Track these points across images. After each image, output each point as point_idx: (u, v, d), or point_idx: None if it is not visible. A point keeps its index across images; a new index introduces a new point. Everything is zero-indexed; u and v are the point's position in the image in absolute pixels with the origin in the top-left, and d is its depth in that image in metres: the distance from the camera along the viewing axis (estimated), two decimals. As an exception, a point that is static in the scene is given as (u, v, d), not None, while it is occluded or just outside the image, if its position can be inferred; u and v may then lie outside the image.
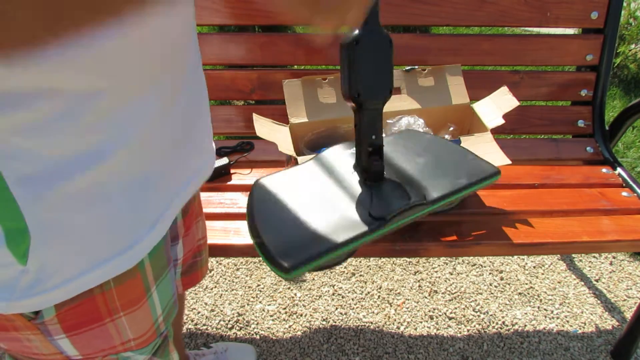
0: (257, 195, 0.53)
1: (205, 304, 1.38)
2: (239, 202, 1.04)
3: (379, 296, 1.42)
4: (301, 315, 1.36)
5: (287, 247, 0.46)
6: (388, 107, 1.03)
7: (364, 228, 0.49)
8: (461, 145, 0.79)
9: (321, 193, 0.54)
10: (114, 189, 0.43)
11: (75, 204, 0.41)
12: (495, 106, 1.01)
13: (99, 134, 0.40)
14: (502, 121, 0.95)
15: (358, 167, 0.56)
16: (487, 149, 0.94)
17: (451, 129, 1.06)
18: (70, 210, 0.41)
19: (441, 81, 1.09)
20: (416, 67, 1.09)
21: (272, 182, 0.55)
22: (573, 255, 1.58)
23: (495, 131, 1.30)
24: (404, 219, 0.53)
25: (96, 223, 0.44)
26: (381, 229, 0.50)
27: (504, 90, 1.03)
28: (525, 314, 1.37)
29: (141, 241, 0.48)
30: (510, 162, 0.91)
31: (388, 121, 1.04)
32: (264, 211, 0.51)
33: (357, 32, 0.52)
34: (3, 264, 0.41)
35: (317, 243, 0.47)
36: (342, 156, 0.59)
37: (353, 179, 0.55)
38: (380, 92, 0.53)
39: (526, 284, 1.47)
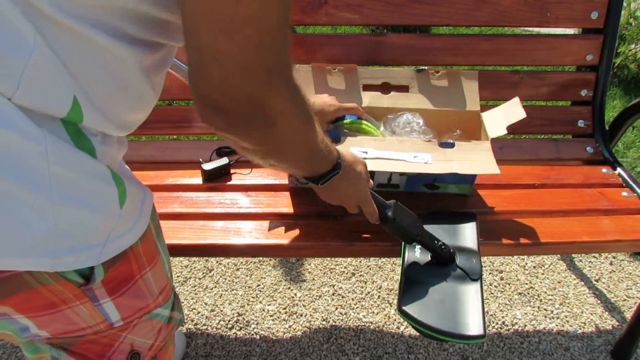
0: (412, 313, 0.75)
1: (205, 304, 1.38)
2: (239, 202, 1.04)
3: (379, 296, 1.42)
4: (301, 315, 1.36)
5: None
6: (393, 104, 1.04)
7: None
8: (456, 149, 0.93)
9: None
10: None
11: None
12: (503, 117, 1.00)
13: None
14: (505, 132, 0.95)
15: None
16: (481, 157, 0.94)
17: (456, 133, 1.06)
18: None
19: (455, 85, 1.09)
20: (426, 67, 1.09)
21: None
22: (573, 255, 1.58)
23: (495, 131, 1.30)
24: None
25: (136, 181, 0.54)
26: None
27: (515, 102, 1.00)
28: (525, 314, 1.37)
29: (149, 199, 0.56)
30: (498, 171, 0.90)
31: (389, 116, 1.04)
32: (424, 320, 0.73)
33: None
34: (108, 209, 0.47)
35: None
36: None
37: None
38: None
39: (526, 284, 1.47)
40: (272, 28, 0.39)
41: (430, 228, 0.84)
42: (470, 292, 0.77)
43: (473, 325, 0.72)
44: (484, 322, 0.73)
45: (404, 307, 0.75)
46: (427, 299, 0.75)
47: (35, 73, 0.38)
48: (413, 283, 0.78)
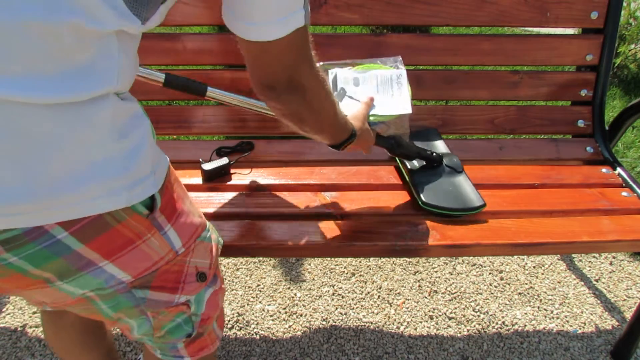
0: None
1: (205, 304, 1.38)
2: (239, 202, 1.04)
3: (379, 296, 1.42)
4: (301, 315, 1.36)
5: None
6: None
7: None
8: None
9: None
10: None
11: None
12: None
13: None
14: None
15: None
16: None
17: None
18: None
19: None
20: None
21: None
22: (573, 255, 1.58)
23: (496, 131, 1.30)
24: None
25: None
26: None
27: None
28: (525, 314, 1.37)
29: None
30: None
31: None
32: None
33: None
34: (149, 140, 0.58)
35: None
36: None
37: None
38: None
39: (526, 284, 1.47)
40: (304, 44, 0.61)
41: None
42: (462, 180, 1.06)
43: (475, 200, 1.01)
44: (481, 197, 1.01)
45: (425, 201, 1.00)
46: (437, 190, 1.02)
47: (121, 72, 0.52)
48: (421, 184, 1.04)
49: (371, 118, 0.96)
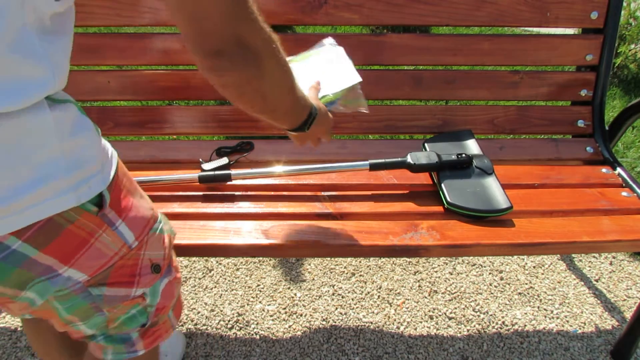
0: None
1: (205, 304, 1.38)
2: (239, 202, 1.04)
3: (378, 296, 1.42)
4: (301, 315, 1.36)
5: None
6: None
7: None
8: None
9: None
10: None
11: None
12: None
13: None
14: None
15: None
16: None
17: None
18: None
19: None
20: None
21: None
22: (573, 255, 1.58)
23: (495, 131, 1.30)
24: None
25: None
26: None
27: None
28: (525, 314, 1.37)
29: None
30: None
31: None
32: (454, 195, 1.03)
33: None
34: (94, 137, 0.58)
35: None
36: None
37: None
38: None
39: (526, 284, 1.47)
40: None
41: (442, 145, 1.19)
42: (491, 182, 1.06)
43: (502, 202, 1.01)
44: (508, 199, 1.01)
45: (451, 201, 1.01)
46: (464, 192, 1.03)
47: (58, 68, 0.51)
48: (448, 184, 1.05)
49: (323, 100, 0.93)
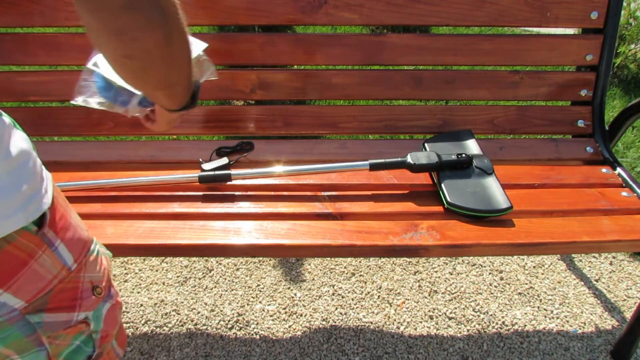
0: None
1: (205, 304, 1.38)
2: (239, 202, 1.04)
3: (379, 296, 1.42)
4: (301, 315, 1.36)
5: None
6: None
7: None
8: None
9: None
10: None
11: None
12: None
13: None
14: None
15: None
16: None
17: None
18: None
19: None
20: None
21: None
22: (573, 255, 1.58)
23: (495, 131, 1.30)
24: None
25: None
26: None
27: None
28: (525, 314, 1.37)
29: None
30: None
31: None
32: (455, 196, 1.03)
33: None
34: (32, 154, 0.55)
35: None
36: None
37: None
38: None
39: (526, 284, 1.47)
40: None
41: (442, 145, 1.19)
42: (491, 182, 1.06)
43: (502, 202, 1.01)
44: (508, 199, 1.01)
45: (451, 201, 1.01)
46: (464, 192, 1.04)
47: None
48: (448, 184, 1.05)
49: None
